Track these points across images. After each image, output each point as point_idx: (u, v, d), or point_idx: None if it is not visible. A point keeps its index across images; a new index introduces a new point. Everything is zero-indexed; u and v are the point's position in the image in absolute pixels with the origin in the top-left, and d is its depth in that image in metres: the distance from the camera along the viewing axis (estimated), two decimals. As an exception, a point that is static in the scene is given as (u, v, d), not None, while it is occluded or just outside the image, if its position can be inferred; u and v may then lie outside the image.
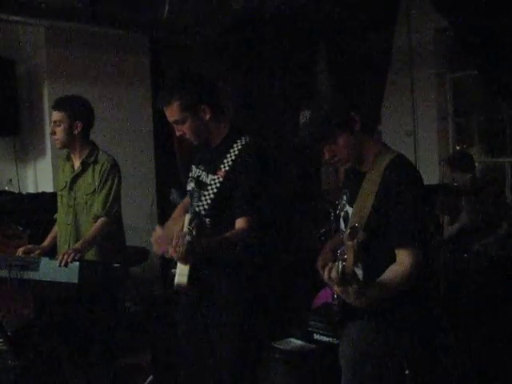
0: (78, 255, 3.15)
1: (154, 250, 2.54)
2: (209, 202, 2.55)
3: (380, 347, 2.15)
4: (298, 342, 3.36)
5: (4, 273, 3.15)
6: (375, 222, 2.10)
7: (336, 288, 1.85)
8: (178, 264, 2.39)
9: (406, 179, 2.10)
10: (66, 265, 3.08)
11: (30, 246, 3.43)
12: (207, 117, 2.54)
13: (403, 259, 2.05)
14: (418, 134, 5.44)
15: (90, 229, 3.37)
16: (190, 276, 2.39)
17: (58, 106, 3.39)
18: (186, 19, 4.84)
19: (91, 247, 3.34)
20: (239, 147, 2.53)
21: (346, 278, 1.79)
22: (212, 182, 2.56)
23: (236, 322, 2.55)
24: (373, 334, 2.16)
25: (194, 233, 2.22)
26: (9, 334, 3.25)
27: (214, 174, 2.56)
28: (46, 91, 4.96)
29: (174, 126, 2.59)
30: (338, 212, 2.34)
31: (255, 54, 5.37)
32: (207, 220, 2.54)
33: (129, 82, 5.37)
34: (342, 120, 2.14)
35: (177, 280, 2.40)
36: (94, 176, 3.42)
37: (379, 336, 2.15)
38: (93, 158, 3.45)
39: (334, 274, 1.80)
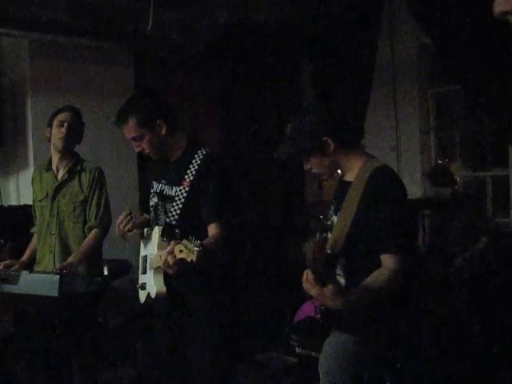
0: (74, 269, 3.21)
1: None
2: (178, 211, 2.64)
3: (358, 360, 2.15)
4: (280, 356, 3.36)
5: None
6: (358, 229, 2.15)
7: (313, 290, 1.91)
8: (152, 275, 2.48)
9: (389, 186, 2.17)
10: None
11: (9, 261, 3.44)
12: (163, 131, 2.67)
13: (387, 264, 2.09)
14: (400, 148, 5.48)
15: (78, 235, 3.42)
16: (167, 285, 2.47)
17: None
18: (171, 32, 4.85)
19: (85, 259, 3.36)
20: (200, 157, 2.66)
21: (319, 278, 1.85)
22: (178, 193, 2.65)
23: (209, 332, 2.61)
24: (352, 347, 2.17)
25: (196, 239, 2.24)
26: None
27: (179, 185, 2.65)
28: (29, 103, 4.94)
29: (133, 142, 2.72)
30: (326, 223, 2.36)
31: (240, 67, 5.40)
32: (177, 230, 2.57)
33: (113, 95, 5.35)
34: (314, 145, 2.24)
35: (156, 290, 2.47)
36: (81, 184, 3.46)
37: (358, 349, 2.16)
38: (79, 167, 3.49)
39: (309, 276, 1.88)
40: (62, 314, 3.19)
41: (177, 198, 2.65)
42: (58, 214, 3.45)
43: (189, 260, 2.20)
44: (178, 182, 2.67)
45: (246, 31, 4.88)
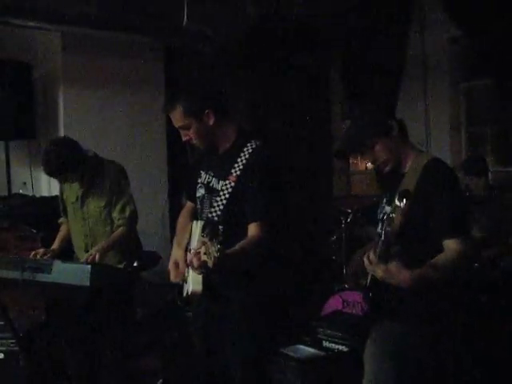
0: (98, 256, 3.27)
1: (172, 278, 2.53)
2: (221, 207, 2.50)
3: (406, 349, 2.16)
4: (307, 349, 3.36)
5: (17, 274, 3.19)
6: (414, 218, 2.16)
7: (378, 269, 2.01)
8: (191, 273, 2.36)
9: (446, 174, 2.23)
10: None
11: (42, 250, 3.51)
12: (211, 122, 2.51)
13: (453, 247, 2.12)
14: (430, 144, 5.43)
15: (108, 236, 3.50)
16: (204, 283, 2.35)
17: (50, 174, 3.48)
18: (203, 26, 4.88)
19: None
20: (249, 151, 2.51)
21: (382, 256, 1.98)
22: (224, 188, 2.52)
23: (248, 329, 2.51)
24: (400, 335, 2.18)
25: (218, 243, 2.13)
26: (20, 335, 3.27)
27: (225, 179, 2.52)
28: (61, 96, 5.02)
29: (180, 131, 2.58)
30: (378, 215, 2.39)
31: (269, 61, 5.40)
32: (220, 227, 2.45)
33: (143, 88, 5.40)
34: (380, 127, 2.28)
35: (191, 288, 2.36)
36: (105, 186, 3.52)
37: (406, 337, 2.17)
38: (101, 173, 3.54)
39: (371, 256, 2.01)
40: (92, 304, 3.24)
41: (221, 193, 2.51)
42: (88, 218, 3.56)
43: (209, 265, 2.12)
44: (225, 176, 2.53)
45: (276, 24, 4.88)
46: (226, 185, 2.52)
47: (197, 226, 2.54)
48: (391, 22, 5.13)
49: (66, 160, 3.35)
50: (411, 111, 5.43)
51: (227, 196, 2.50)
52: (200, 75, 5.14)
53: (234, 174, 2.50)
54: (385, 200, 2.37)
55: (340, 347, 3.40)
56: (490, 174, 4.84)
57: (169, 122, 2.71)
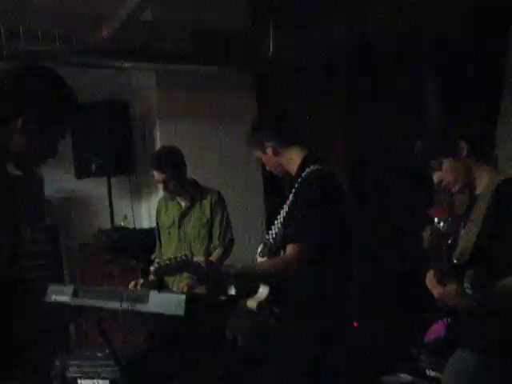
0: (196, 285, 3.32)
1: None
2: (276, 230, 2.62)
3: (482, 380, 2.04)
4: (409, 378, 3.24)
5: (117, 305, 3.28)
6: (486, 240, 2.08)
7: (435, 290, 2.00)
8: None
9: None
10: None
11: (142, 280, 3.62)
12: (273, 153, 2.66)
13: None
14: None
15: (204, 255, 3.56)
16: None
17: (156, 166, 3.64)
18: (291, 53, 4.91)
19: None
20: (304, 175, 2.58)
21: (441, 277, 1.94)
22: (282, 211, 2.65)
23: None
24: (476, 365, 2.06)
25: None
26: (123, 363, 3.36)
27: (285, 203, 2.65)
28: (157, 131, 5.18)
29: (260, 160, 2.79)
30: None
31: (361, 83, 5.34)
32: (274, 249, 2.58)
33: (237, 119, 5.48)
34: (448, 147, 2.21)
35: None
36: (203, 210, 3.67)
37: (483, 368, 2.05)
38: (199, 195, 3.71)
39: (431, 275, 2.00)
40: (189, 333, 3.28)
41: (279, 216, 2.63)
42: (185, 238, 3.67)
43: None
44: (285, 200, 2.68)
45: (366, 46, 4.82)
46: (283, 208, 2.64)
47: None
48: (490, 36, 4.93)
49: (177, 156, 3.64)
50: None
51: (281, 220, 2.61)
52: (288, 100, 5.18)
53: (290, 198, 2.61)
54: (462, 223, 2.27)
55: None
56: None
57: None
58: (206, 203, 3.69)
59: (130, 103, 5.19)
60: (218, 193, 3.76)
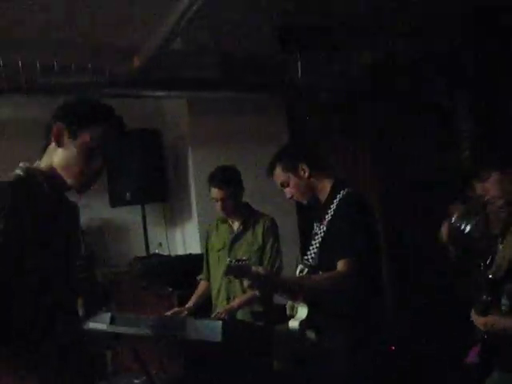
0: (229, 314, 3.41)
1: None
2: (315, 250, 2.72)
3: None
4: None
5: (153, 332, 3.28)
6: None
7: (477, 321, 2.03)
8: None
9: None
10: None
11: (177, 309, 3.64)
12: (306, 174, 2.79)
13: None
14: None
15: None
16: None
17: (215, 183, 3.66)
18: (319, 77, 4.92)
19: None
20: (340, 197, 2.71)
21: (481, 308, 1.97)
22: (318, 232, 2.74)
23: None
24: None
25: None
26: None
27: (321, 224, 2.74)
28: (190, 158, 5.20)
29: (284, 190, 2.88)
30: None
31: (389, 105, 5.32)
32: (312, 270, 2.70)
33: (268, 144, 5.47)
34: (494, 158, 2.26)
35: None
36: (256, 235, 3.67)
37: None
38: (252, 219, 3.70)
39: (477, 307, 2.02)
40: (226, 360, 3.25)
41: (316, 237, 2.73)
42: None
43: None
44: (320, 222, 2.77)
45: (393, 66, 4.82)
46: (320, 228, 2.74)
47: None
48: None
49: (235, 174, 3.71)
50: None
51: (320, 240, 2.72)
52: (319, 124, 5.18)
53: (327, 219, 2.71)
54: (500, 239, 2.29)
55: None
56: None
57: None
58: (259, 228, 3.68)
59: (163, 131, 5.24)
60: (272, 219, 3.76)
